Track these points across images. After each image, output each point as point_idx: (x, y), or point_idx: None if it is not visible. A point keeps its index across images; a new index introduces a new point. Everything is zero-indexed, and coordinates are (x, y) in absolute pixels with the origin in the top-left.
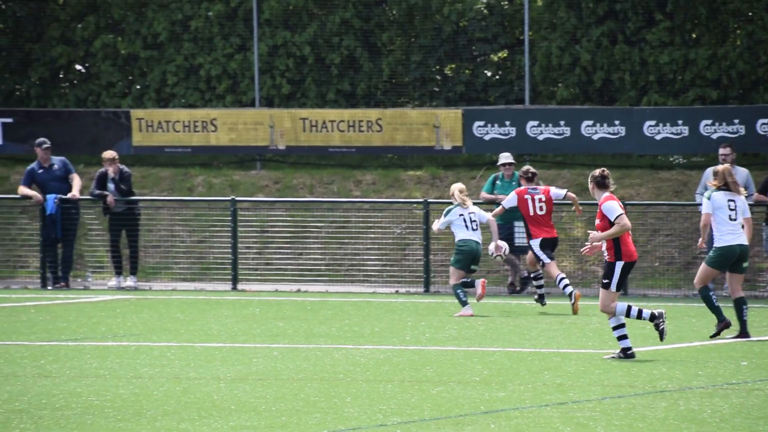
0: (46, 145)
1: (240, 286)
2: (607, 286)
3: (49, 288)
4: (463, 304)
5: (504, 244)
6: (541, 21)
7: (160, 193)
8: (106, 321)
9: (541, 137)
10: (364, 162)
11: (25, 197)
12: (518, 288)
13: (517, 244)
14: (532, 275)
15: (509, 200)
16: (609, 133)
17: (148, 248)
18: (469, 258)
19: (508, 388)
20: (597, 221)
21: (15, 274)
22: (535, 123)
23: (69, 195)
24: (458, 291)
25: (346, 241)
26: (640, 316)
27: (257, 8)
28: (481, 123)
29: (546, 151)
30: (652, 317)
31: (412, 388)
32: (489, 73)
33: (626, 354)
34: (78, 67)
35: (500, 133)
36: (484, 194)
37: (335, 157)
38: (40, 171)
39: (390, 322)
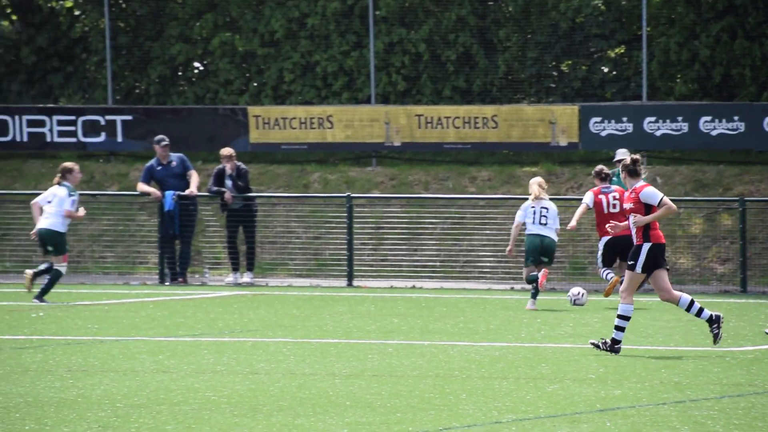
0: (164, 143)
1: (355, 283)
2: (632, 268)
3: (167, 284)
4: (532, 296)
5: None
6: (659, 16)
7: (277, 189)
8: (223, 317)
9: (658, 133)
10: (479, 158)
11: (144, 194)
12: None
13: None
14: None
15: (587, 198)
16: (728, 129)
17: (265, 244)
18: (532, 252)
19: (625, 386)
20: (629, 205)
21: (134, 271)
22: (653, 119)
23: (187, 192)
24: (531, 282)
25: (461, 237)
26: (699, 314)
27: (373, 5)
28: (598, 119)
29: (663, 147)
30: (710, 319)
31: (527, 385)
32: (606, 69)
33: (614, 348)
34: (196, 64)
35: (617, 129)
36: None
37: (451, 154)
38: (159, 168)
39: (505, 319)
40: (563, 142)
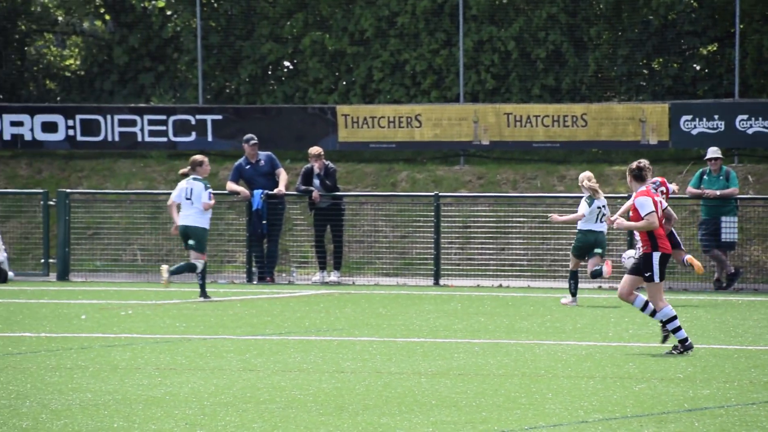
0: (253, 141)
1: (442, 282)
2: (650, 279)
3: (255, 283)
4: (572, 294)
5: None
6: (753, 13)
7: (364, 188)
8: (310, 315)
9: (750, 131)
10: (568, 157)
11: (233, 193)
12: (724, 284)
13: (724, 240)
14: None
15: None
16: None
17: (352, 243)
18: (586, 249)
19: (713, 385)
20: (631, 213)
21: (222, 269)
22: (745, 117)
23: (275, 191)
24: (571, 281)
25: (548, 236)
26: (653, 315)
27: (463, 4)
28: (689, 117)
29: (755, 145)
30: (662, 323)
31: (614, 384)
32: (698, 67)
33: (684, 346)
34: (286, 63)
35: (708, 128)
36: (690, 189)
37: (539, 152)
38: (248, 167)
39: (592, 318)
40: (653, 141)
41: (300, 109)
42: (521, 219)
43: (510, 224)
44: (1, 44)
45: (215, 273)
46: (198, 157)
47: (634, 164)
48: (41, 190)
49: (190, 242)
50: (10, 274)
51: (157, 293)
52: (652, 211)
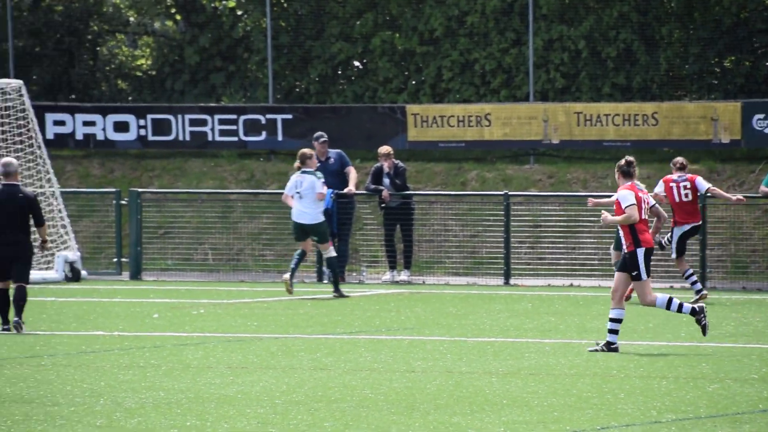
0: (323, 139)
1: (512, 281)
2: (638, 278)
3: (325, 282)
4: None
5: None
6: None
7: (434, 187)
8: (380, 315)
9: None
10: (639, 156)
11: None
12: None
13: None
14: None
15: (658, 187)
16: None
17: (422, 242)
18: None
19: None
20: (615, 208)
21: None
22: None
23: (345, 190)
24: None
25: None
26: (680, 309)
27: (533, 3)
28: (761, 116)
29: None
30: (693, 312)
31: (687, 384)
32: None
33: (609, 347)
34: (356, 63)
35: None
36: (763, 188)
37: (610, 151)
38: (317, 165)
39: (665, 318)
40: (725, 140)
41: (369, 109)
42: (592, 218)
43: (580, 223)
44: (73, 45)
45: (286, 272)
46: (306, 150)
47: (623, 160)
48: (113, 190)
49: (314, 238)
50: (84, 273)
51: (229, 292)
52: (633, 204)
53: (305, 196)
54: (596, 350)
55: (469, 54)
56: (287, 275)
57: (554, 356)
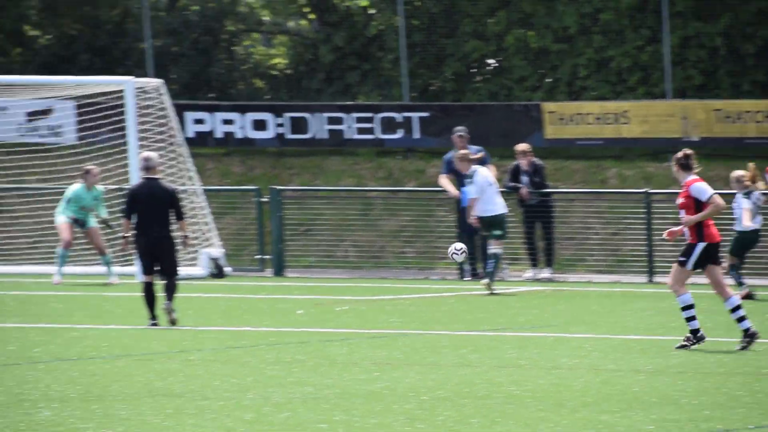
0: (460, 133)
1: (656, 279)
2: (683, 264)
3: (466, 279)
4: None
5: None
6: None
7: (573, 185)
8: (524, 312)
9: None
10: None
11: (443, 189)
12: None
13: None
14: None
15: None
16: None
17: (563, 240)
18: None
19: None
20: (680, 200)
21: (434, 266)
22: None
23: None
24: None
25: (764, 233)
26: (741, 320)
27: (668, 0)
28: None
29: None
30: (747, 332)
31: None
32: None
33: (696, 337)
34: (490, 61)
35: None
36: None
37: (751, 149)
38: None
39: None
40: None
41: (505, 107)
42: (733, 217)
43: (725, 221)
44: (210, 44)
45: (427, 270)
46: (463, 152)
47: (681, 153)
48: (254, 187)
49: (497, 232)
50: (227, 269)
51: (372, 288)
52: (714, 193)
53: (494, 192)
54: (685, 345)
55: (604, 51)
56: (487, 279)
57: (702, 354)
